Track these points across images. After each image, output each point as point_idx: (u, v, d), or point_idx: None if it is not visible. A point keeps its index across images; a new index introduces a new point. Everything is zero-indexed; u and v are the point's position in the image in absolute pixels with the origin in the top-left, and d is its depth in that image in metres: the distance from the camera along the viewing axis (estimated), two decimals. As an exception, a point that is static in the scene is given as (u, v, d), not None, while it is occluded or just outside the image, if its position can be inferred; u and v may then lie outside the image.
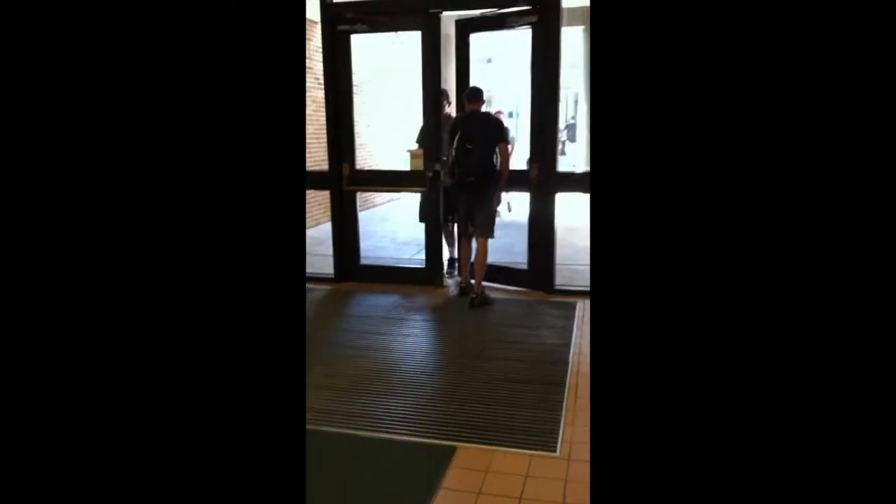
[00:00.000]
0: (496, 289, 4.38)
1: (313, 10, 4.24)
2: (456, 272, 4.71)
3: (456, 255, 4.76)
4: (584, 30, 8.07)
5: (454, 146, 3.98)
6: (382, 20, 4.19)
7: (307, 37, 6.06)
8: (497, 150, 3.94)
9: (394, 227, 7.15)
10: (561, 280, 4.35)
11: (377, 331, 3.56)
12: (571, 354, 3.18)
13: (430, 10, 4.08)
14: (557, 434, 2.38)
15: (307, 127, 6.46)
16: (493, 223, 4.08)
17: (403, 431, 2.41)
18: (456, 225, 4.52)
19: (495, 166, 3.94)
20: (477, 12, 4.18)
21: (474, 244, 4.16)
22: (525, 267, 4.39)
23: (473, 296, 4.04)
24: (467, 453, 2.26)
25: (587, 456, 2.23)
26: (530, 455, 2.24)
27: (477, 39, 4.32)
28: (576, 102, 14.02)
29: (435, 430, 2.42)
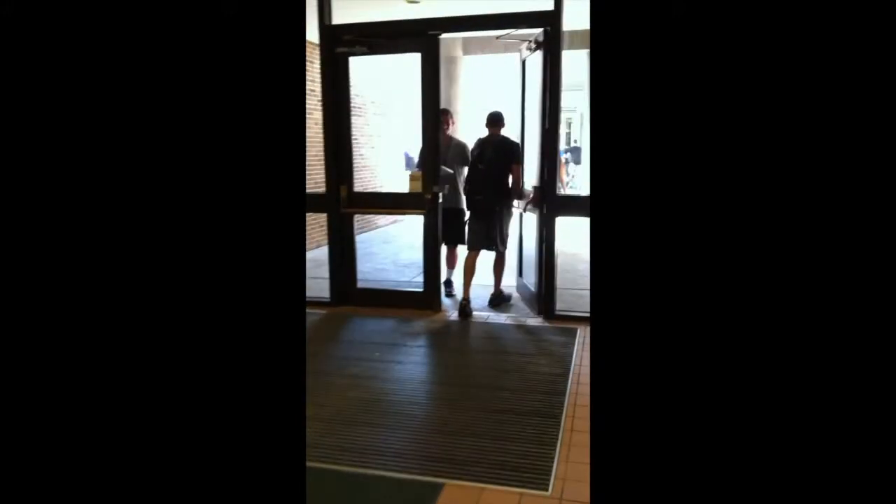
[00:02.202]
0: (491, 314, 4.30)
1: (312, 32, 4.23)
2: (454, 291, 4.75)
3: (453, 276, 4.77)
4: (589, 53, 8.06)
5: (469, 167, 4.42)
6: (381, 42, 4.15)
7: (307, 59, 6.07)
8: (510, 170, 4.22)
9: (396, 248, 7.08)
10: (562, 305, 4.24)
11: (369, 357, 3.46)
12: (569, 384, 3.07)
13: (430, 32, 4.05)
14: (550, 471, 2.26)
15: (310, 149, 6.46)
16: (504, 238, 4.37)
17: (388, 467, 2.30)
18: (459, 245, 4.67)
19: (505, 186, 4.26)
20: (477, 34, 4.14)
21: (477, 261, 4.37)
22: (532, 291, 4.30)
23: (492, 295, 4.47)
24: (454, 491, 2.15)
25: (580, 495, 2.13)
26: (520, 493, 2.13)
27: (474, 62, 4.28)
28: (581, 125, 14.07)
29: (421, 465, 2.31)
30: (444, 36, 4.07)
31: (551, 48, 3.87)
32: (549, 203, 4.06)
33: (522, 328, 4.02)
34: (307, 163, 6.61)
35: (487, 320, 4.18)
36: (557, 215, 4.06)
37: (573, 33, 4.95)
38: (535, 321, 4.14)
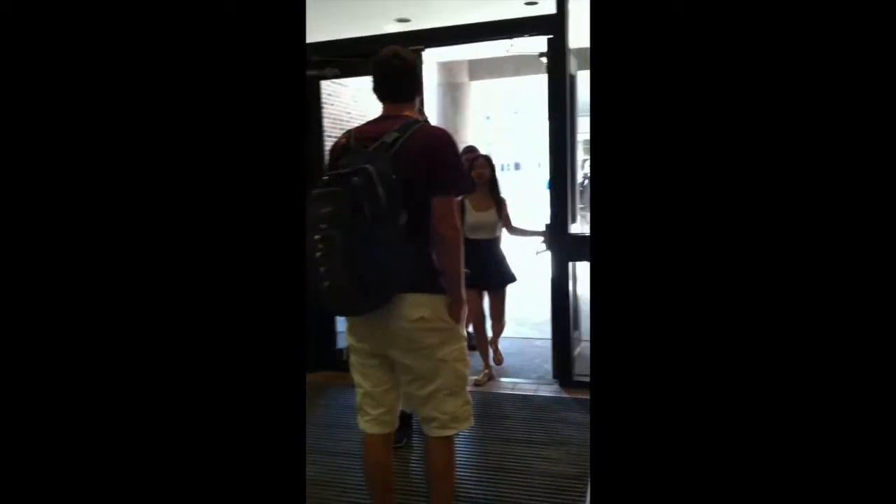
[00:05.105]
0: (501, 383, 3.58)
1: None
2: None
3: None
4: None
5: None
6: (355, 62, 3.55)
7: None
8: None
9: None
10: (581, 368, 3.50)
11: (336, 448, 2.76)
12: (589, 493, 2.32)
13: (410, 49, 3.43)
14: None
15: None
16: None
17: None
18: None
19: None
20: (482, 55, 3.52)
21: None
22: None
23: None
24: None
25: None
26: None
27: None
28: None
29: None
30: (446, 60, 3.49)
31: (556, 62, 3.22)
32: (560, 243, 3.37)
33: (531, 403, 3.26)
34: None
35: (484, 388, 3.46)
36: (572, 259, 3.38)
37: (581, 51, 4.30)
38: (548, 390, 3.40)
